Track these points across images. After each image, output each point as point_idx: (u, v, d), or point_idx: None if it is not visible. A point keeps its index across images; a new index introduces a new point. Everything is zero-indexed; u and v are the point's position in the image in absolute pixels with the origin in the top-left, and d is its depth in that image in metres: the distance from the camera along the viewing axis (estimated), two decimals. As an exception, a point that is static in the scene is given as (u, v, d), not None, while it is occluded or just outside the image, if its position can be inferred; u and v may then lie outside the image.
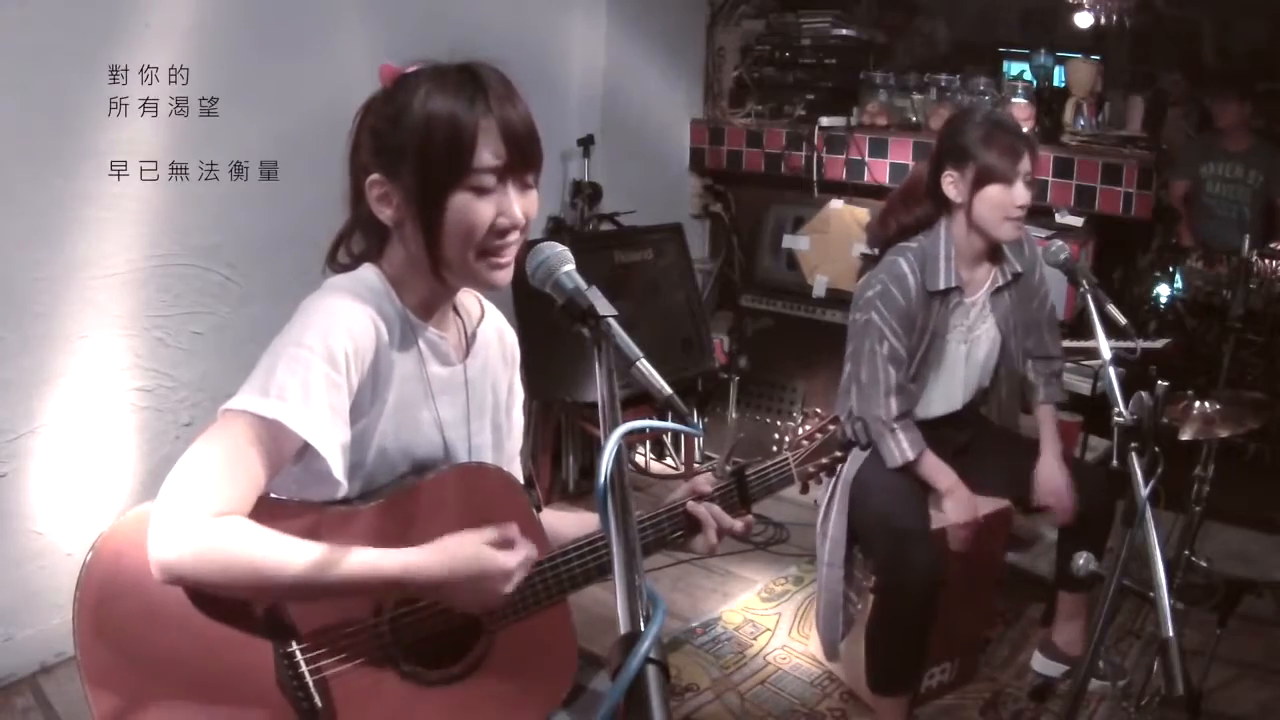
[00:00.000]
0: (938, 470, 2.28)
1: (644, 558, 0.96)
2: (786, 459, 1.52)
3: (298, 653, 1.14)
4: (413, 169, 1.17)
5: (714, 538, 1.36)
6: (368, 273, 1.24)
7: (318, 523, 1.17)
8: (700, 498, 1.40)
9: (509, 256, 1.21)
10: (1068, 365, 3.14)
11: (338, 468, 1.16)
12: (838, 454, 1.57)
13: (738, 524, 1.39)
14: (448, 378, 1.31)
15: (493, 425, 1.40)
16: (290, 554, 1.09)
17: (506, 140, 1.17)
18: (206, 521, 1.06)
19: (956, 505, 2.27)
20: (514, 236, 1.21)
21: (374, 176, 1.20)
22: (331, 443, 1.15)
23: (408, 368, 1.26)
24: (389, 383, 1.23)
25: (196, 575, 1.06)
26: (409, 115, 1.17)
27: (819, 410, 1.60)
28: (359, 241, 1.29)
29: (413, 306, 1.26)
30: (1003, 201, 2.16)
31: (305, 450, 1.14)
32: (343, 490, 1.19)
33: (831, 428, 1.57)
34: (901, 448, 2.24)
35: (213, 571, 1.06)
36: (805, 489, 1.56)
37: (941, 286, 2.23)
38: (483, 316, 1.41)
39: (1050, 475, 2.34)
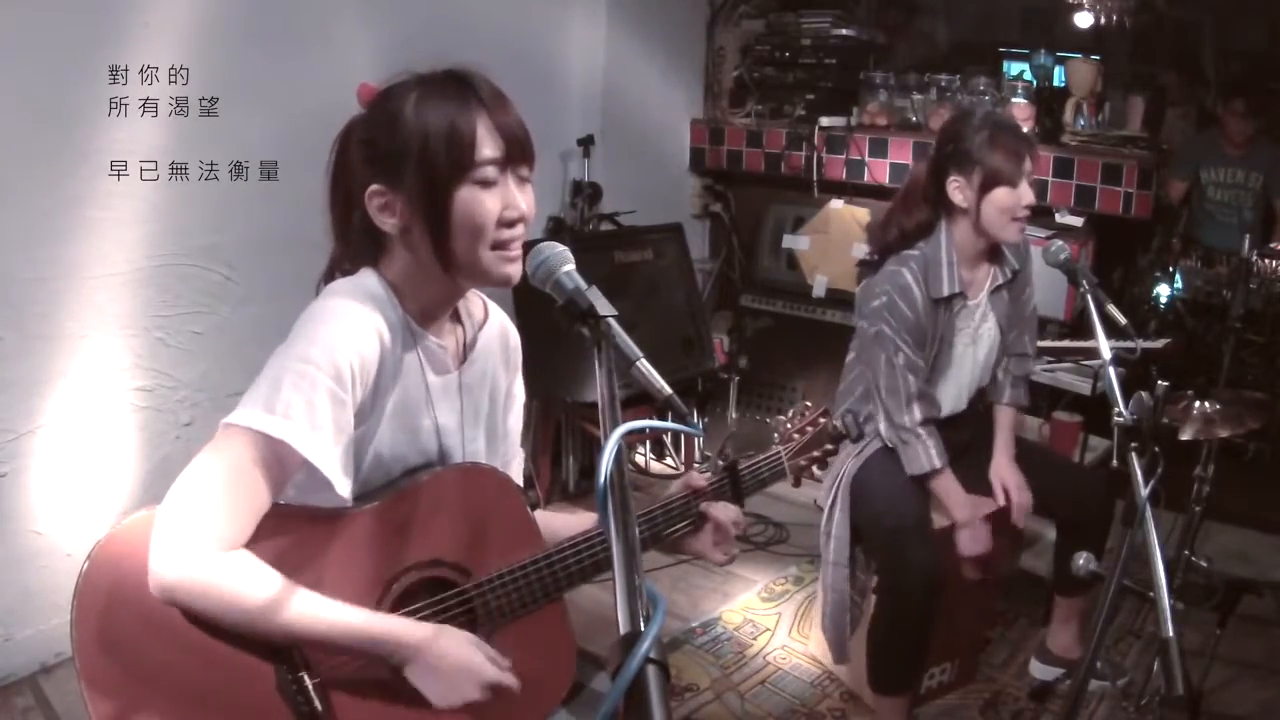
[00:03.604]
0: (953, 496, 2.27)
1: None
2: (778, 453, 1.53)
3: (297, 657, 1.14)
4: (415, 170, 1.17)
5: (731, 535, 1.41)
6: (369, 279, 1.24)
7: (314, 527, 1.17)
8: (696, 493, 1.40)
9: (518, 250, 1.22)
10: (1068, 365, 3.15)
11: (342, 487, 1.16)
12: (829, 447, 1.58)
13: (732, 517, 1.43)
14: (443, 385, 1.31)
15: (487, 431, 1.40)
16: (287, 607, 1.09)
17: (503, 135, 1.19)
18: (212, 554, 1.07)
19: (971, 539, 2.26)
20: (520, 229, 1.22)
21: (374, 187, 1.20)
22: (335, 462, 1.15)
23: (408, 376, 1.25)
24: (389, 391, 1.23)
25: (192, 604, 1.08)
26: (404, 121, 1.18)
27: (809, 404, 1.60)
28: (350, 265, 1.29)
29: (414, 314, 1.26)
30: (1010, 203, 2.16)
31: (308, 462, 1.14)
32: (346, 503, 1.19)
33: (822, 420, 1.57)
34: (929, 455, 2.23)
35: (208, 606, 1.08)
36: (797, 483, 1.57)
37: (945, 293, 2.23)
38: (486, 319, 1.40)
39: (1004, 476, 2.35)
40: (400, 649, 1.16)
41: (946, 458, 2.25)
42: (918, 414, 2.23)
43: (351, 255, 1.28)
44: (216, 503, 1.09)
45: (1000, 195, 2.16)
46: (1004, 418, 2.43)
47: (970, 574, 2.30)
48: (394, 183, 1.19)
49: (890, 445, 2.28)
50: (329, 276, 1.30)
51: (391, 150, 1.18)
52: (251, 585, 1.08)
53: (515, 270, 1.22)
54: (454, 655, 1.17)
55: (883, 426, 2.28)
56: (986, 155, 2.15)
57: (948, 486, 2.26)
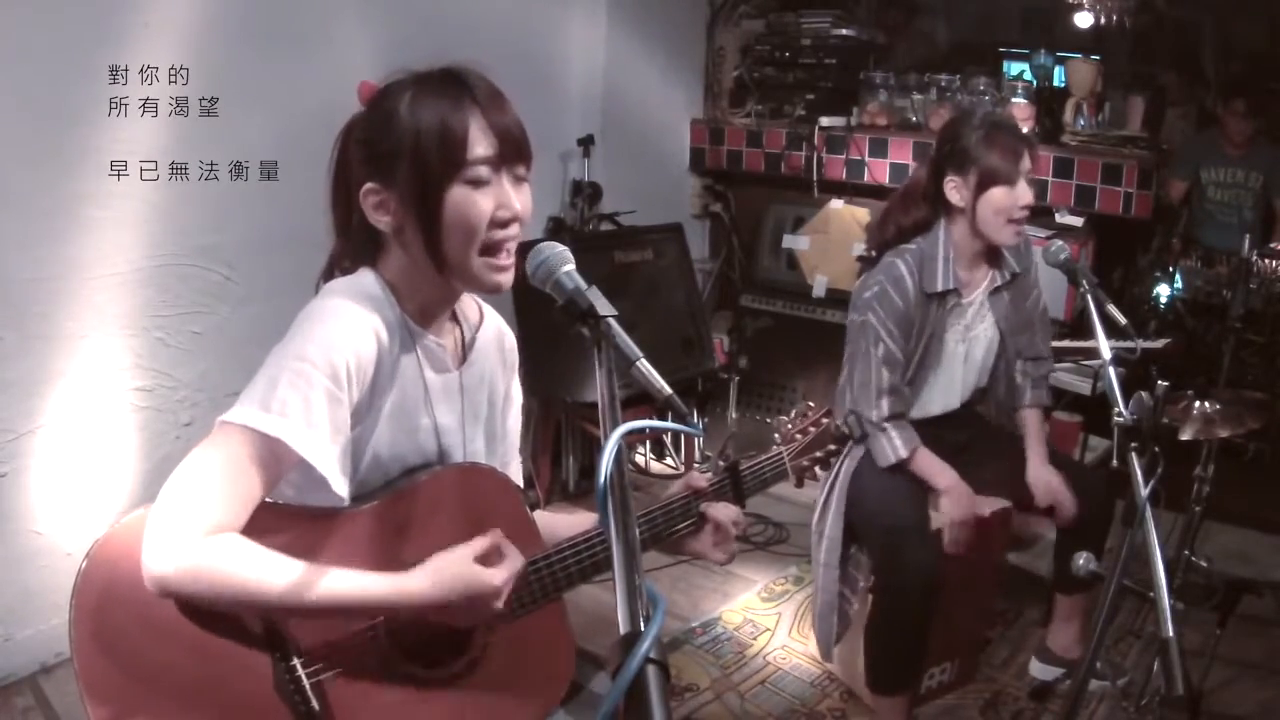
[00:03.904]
0: (933, 467, 2.26)
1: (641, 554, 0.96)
2: (781, 453, 1.53)
3: (295, 657, 1.13)
4: (408, 168, 1.17)
5: (731, 535, 1.41)
6: (367, 278, 1.24)
7: (312, 526, 1.17)
8: (698, 493, 1.40)
9: (509, 257, 1.21)
10: (1067, 365, 3.16)
11: (339, 485, 1.16)
12: (831, 447, 1.58)
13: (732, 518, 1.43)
14: (443, 385, 1.31)
15: (487, 432, 1.40)
16: (280, 575, 1.08)
17: (496, 133, 1.18)
18: (200, 539, 1.06)
19: (954, 502, 2.24)
20: (514, 229, 1.21)
21: (369, 185, 1.20)
22: (332, 461, 1.15)
23: (406, 375, 1.25)
24: (386, 390, 1.23)
25: (187, 591, 1.07)
26: (398, 119, 1.18)
27: (811, 404, 1.60)
28: (349, 263, 1.29)
29: (411, 313, 1.26)
30: (1007, 203, 2.16)
31: (304, 461, 1.14)
32: (343, 502, 1.19)
33: (825, 421, 1.57)
34: (894, 445, 2.23)
35: (203, 589, 1.07)
36: (800, 483, 1.57)
37: (939, 288, 2.23)
38: (482, 321, 1.40)
39: (1044, 479, 2.32)
40: (401, 610, 1.15)
41: (916, 442, 2.25)
42: (885, 409, 2.23)
43: (351, 253, 1.28)
44: (207, 495, 1.08)
45: (997, 195, 2.16)
46: (1031, 422, 2.43)
47: (957, 548, 2.23)
48: (388, 181, 1.19)
49: (855, 437, 2.27)
50: (328, 274, 1.30)
51: (385, 149, 1.18)
52: (241, 562, 1.07)
53: (505, 280, 1.22)
54: (455, 588, 1.15)
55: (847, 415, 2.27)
56: (983, 154, 2.16)
57: (924, 463, 2.26)
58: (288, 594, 1.08)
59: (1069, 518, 2.30)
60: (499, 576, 1.18)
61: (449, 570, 1.17)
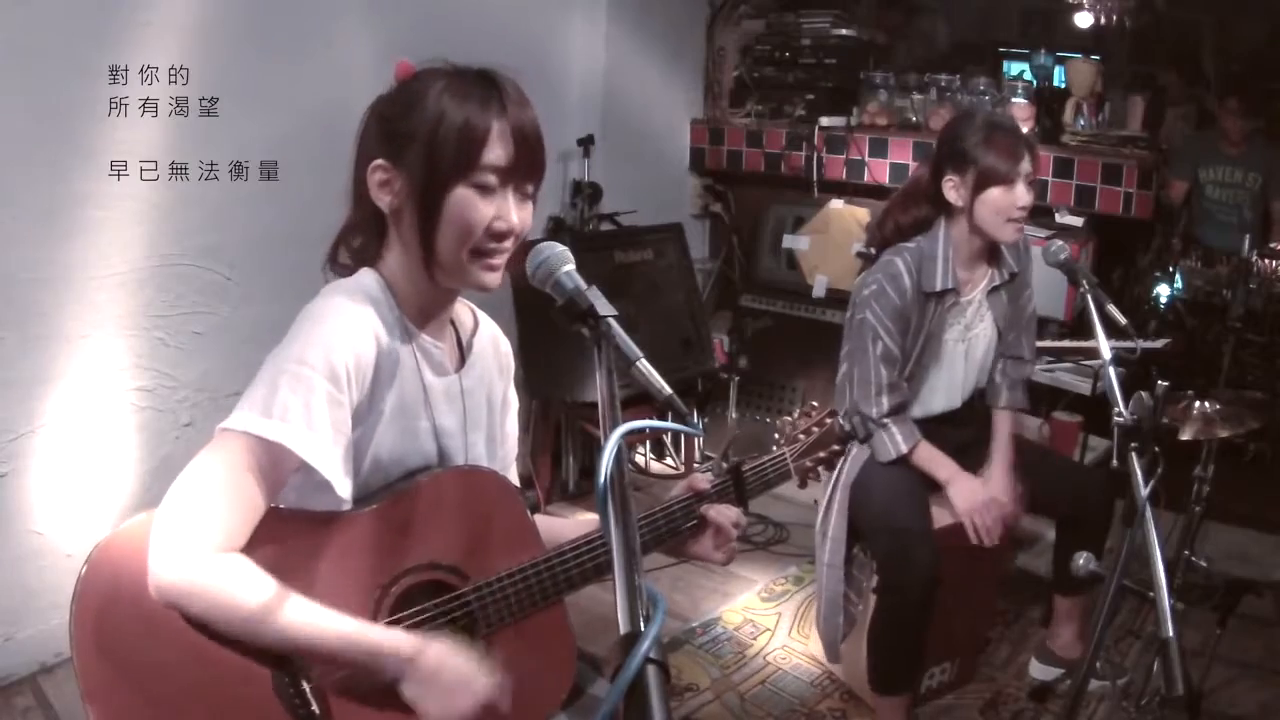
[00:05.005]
0: (935, 460, 2.26)
1: (642, 556, 0.96)
2: (784, 454, 1.52)
3: (297, 662, 1.13)
4: (420, 155, 1.17)
5: (732, 536, 1.41)
6: (367, 278, 1.24)
7: (313, 530, 1.17)
8: (699, 495, 1.40)
9: (501, 260, 1.21)
10: (1067, 365, 3.15)
11: (342, 488, 1.16)
12: (835, 448, 1.58)
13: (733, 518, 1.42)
14: (443, 388, 1.31)
15: (487, 436, 1.40)
16: (282, 613, 1.08)
17: (516, 144, 1.18)
18: (209, 555, 1.07)
19: (959, 493, 2.24)
20: (508, 243, 1.21)
21: (378, 161, 1.20)
22: (335, 464, 1.15)
23: (405, 376, 1.25)
24: (386, 392, 1.23)
25: (188, 607, 1.07)
26: (423, 104, 1.18)
27: (815, 404, 1.60)
28: (358, 240, 1.29)
29: (410, 315, 1.26)
30: (1004, 204, 2.16)
31: (306, 464, 1.13)
32: (345, 505, 1.19)
33: (829, 421, 1.57)
34: (895, 441, 2.24)
35: (203, 609, 1.07)
36: (803, 484, 1.57)
37: (938, 288, 2.23)
38: (476, 327, 1.40)
39: (994, 489, 2.28)
40: (397, 661, 1.14)
41: (916, 437, 2.25)
42: (885, 405, 2.23)
43: (361, 230, 1.28)
44: (214, 506, 1.09)
45: (994, 195, 2.16)
46: (1002, 423, 2.41)
47: (982, 538, 2.23)
48: (397, 162, 1.19)
49: (859, 437, 2.27)
50: (334, 249, 1.30)
51: (403, 129, 1.18)
52: (246, 589, 1.08)
53: (493, 279, 1.22)
54: (451, 668, 1.15)
55: (851, 416, 2.28)
56: (981, 154, 2.16)
57: (925, 457, 2.26)
58: (285, 633, 1.08)
59: (987, 540, 2.26)
60: (493, 687, 1.16)
61: (452, 648, 1.16)
